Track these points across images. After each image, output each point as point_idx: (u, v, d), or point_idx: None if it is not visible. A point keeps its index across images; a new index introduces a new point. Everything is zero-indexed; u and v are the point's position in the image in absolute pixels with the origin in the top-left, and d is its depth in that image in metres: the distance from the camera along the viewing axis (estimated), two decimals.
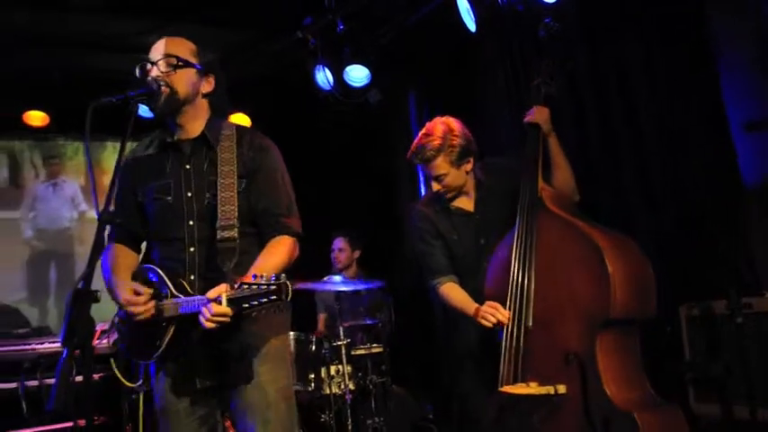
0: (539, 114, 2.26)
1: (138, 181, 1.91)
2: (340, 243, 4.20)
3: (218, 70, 1.92)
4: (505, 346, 2.01)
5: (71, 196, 4.50)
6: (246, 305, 1.56)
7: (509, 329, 2.02)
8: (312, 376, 3.19)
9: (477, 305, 2.20)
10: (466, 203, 2.41)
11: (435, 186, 2.33)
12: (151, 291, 1.74)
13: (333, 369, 3.29)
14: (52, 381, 3.46)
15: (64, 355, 1.24)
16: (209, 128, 1.88)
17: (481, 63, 3.88)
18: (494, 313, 2.08)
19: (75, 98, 3.98)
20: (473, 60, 3.91)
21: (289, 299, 1.55)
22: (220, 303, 1.59)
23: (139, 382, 1.80)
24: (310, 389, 3.17)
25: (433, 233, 2.41)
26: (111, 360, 1.92)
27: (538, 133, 2.24)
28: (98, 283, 1.38)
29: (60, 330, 1.62)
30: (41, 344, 3.59)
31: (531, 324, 1.99)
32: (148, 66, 1.81)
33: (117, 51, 3.89)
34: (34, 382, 3.28)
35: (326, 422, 3.29)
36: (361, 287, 3.62)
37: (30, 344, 3.58)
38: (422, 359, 4.31)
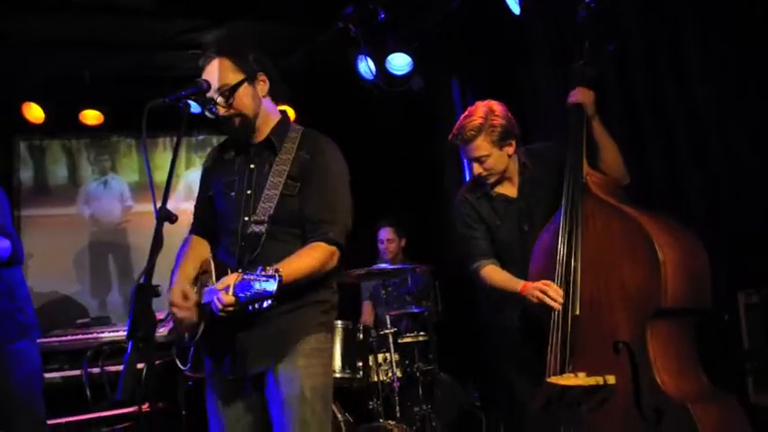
0: (582, 94, 2.20)
1: (211, 178, 2.03)
2: (388, 233, 4.20)
3: (262, 63, 1.94)
4: (552, 336, 1.99)
5: (120, 192, 4.68)
6: (242, 295, 1.57)
7: (555, 318, 2.00)
8: (360, 364, 3.24)
9: (523, 281, 2.18)
10: (509, 189, 2.39)
11: (477, 169, 2.32)
12: (195, 299, 1.79)
13: (380, 357, 3.33)
14: (113, 368, 3.60)
15: (129, 348, 1.31)
16: (276, 132, 1.93)
17: (526, 47, 3.81)
18: (548, 291, 2.04)
19: (127, 97, 4.17)
20: (517, 45, 3.85)
21: (275, 290, 1.54)
22: (228, 293, 1.61)
23: (187, 366, 1.84)
24: (358, 376, 3.22)
25: (474, 218, 2.41)
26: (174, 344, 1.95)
27: (582, 115, 2.18)
28: (158, 277, 1.43)
29: (123, 321, 1.72)
30: (102, 333, 3.76)
31: (578, 312, 1.95)
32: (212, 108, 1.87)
33: (168, 50, 4.01)
34: (96, 370, 3.44)
35: (375, 409, 3.33)
36: (408, 270, 3.64)
37: (91, 333, 3.76)
38: (468, 346, 4.31)
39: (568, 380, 1.89)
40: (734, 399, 1.87)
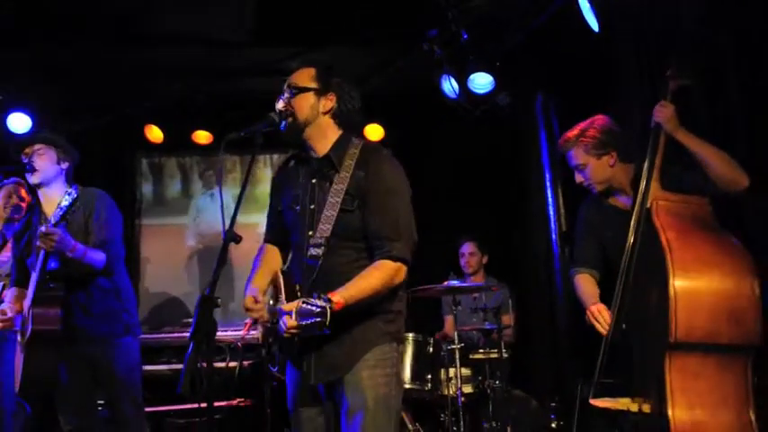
0: (660, 112, 2.16)
1: (278, 192, 2.16)
2: (470, 247, 4.30)
3: (340, 88, 2.06)
4: (599, 358, 2.03)
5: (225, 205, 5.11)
6: (302, 323, 1.72)
7: (604, 342, 2.05)
8: (429, 376, 3.33)
9: (594, 302, 2.24)
10: (622, 202, 2.40)
11: (577, 178, 2.41)
12: (266, 300, 1.98)
13: (452, 371, 3.40)
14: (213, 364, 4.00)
15: (190, 348, 1.54)
16: (335, 148, 2.02)
17: (611, 61, 3.74)
18: (597, 317, 2.14)
19: (234, 118, 4.59)
20: (601, 59, 3.78)
21: (327, 323, 1.68)
22: (291, 317, 1.75)
23: (275, 368, 2.01)
24: (427, 388, 3.32)
25: (587, 226, 2.49)
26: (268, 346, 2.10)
27: (656, 138, 2.15)
28: (221, 290, 1.65)
29: (222, 322, 1.98)
30: None
31: (618, 337, 1.99)
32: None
33: (268, 75, 4.39)
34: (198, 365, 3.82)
35: (445, 421, 3.42)
36: (480, 286, 3.72)
37: None
38: (547, 366, 4.26)
39: (605, 402, 1.91)
40: None
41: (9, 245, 3.28)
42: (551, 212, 4.16)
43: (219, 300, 1.62)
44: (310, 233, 1.98)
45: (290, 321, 1.77)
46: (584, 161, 2.34)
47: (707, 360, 1.80)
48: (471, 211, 4.81)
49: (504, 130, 4.62)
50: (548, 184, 4.20)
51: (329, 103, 2.05)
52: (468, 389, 3.50)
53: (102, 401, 3.06)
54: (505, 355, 3.49)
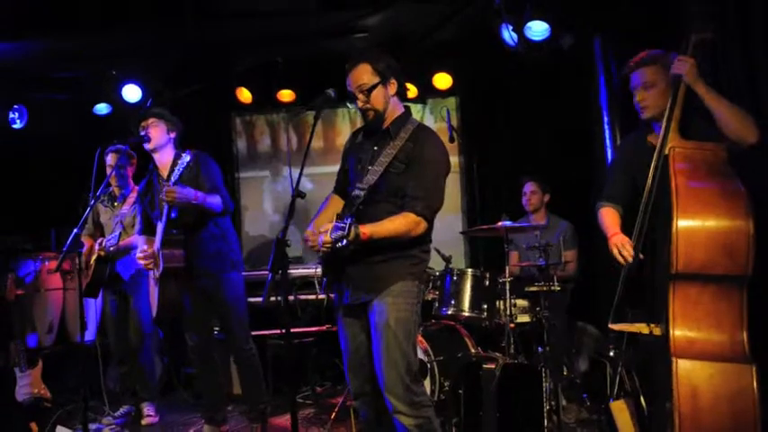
0: (679, 66, 2.27)
1: (347, 156, 2.65)
2: (531, 186, 4.55)
3: (394, 69, 2.46)
4: (618, 286, 2.32)
5: (310, 157, 5.61)
6: (332, 235, 2.13)
7: (623, 272, 2.33)
8: (485, 306, 3.73)
9: (616, 232, 2.42)
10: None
11: (639, 96, 2.43)
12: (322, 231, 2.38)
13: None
14: (304, 297, 4.69)
15: (269, 278, 2.06)
16: (394, 124, 2.47)
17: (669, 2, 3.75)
18: (620, 247, 2.33)
19: (313, 77, 5.07)
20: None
21: (349, 237, 2.09)
22: (327, 234, 2.17)
23: (323, 290, 2.52)
24: (483, 316, 3.73)
25: (622, 162, 2.60)
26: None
27: (676, 90, 2.28)
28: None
29: (314, 260, 2.47)
30: (297, 269, 4.84)
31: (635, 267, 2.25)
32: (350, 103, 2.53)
33: (339, 36, 4.77)
34: (292, 297, 4.48)
35: (506, 347, 3.83)
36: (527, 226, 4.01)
37: (288, 269, 4.84)
38: (609, 298, 4.51)
39: (622, 326, 2.22)
40: (753, 370, 1.99)
41: (127, 201, 4.06)
42: (609, 152, 4.31)
43: (289, 241, 2.11)
44: (358, 184, 2.43)
45: (324, 236, 2.20)
46: (655, 80, 2.38)
47: (705, 289, 2.06)
48: (536, 152, 5.04)
49: (564, 74, 4.74)
50: (606, 126, 4.34)
51: (393, 87, 2.48)
52: (524, 318, 3.87)
53: (217, 328, 3.75)
54: (557, 289, 3.80)
